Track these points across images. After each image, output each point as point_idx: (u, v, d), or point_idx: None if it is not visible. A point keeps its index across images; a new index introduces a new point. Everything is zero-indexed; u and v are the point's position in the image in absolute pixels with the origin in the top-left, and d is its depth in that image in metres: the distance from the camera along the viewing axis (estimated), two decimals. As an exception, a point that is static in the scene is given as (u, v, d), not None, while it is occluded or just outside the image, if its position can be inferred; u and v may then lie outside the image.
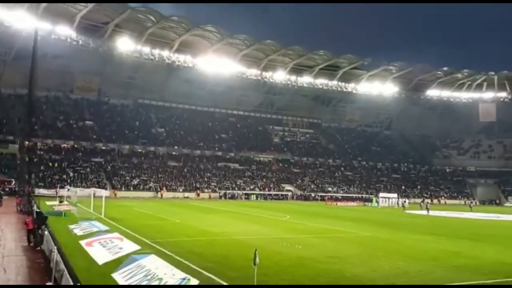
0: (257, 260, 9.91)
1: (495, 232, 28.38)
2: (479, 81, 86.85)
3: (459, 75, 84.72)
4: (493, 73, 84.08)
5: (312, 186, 73.62)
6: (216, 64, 70.96)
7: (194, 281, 9.31)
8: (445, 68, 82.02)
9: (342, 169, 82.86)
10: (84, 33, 61.92)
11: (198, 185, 64.45)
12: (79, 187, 45.80)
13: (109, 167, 63.17)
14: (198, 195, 60.95)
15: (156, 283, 9.41)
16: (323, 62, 78.42)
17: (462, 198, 77.88)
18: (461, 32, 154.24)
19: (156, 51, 66.95)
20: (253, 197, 64.32)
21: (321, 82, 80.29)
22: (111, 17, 62.57)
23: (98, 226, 20.76)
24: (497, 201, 77.35)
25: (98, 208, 27.38)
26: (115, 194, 54.41)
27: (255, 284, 9.76)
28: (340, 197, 67.86)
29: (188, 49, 70.29)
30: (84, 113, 72.64)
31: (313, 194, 69.54)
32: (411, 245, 19.98)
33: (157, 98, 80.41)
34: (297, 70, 79.46)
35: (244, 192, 65.48)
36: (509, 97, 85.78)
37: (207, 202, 53.18)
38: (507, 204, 73.35)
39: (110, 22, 63.21)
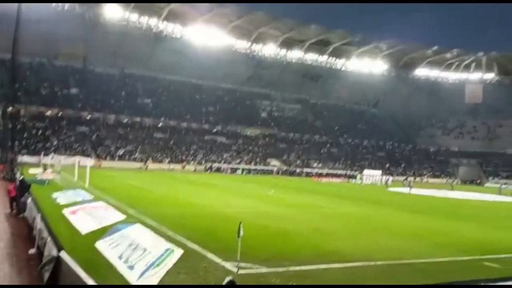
0: (241, 232, 10.01)
1: (475, 211, 29.15)
2: (467, 61, 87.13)
3: (448, 55, 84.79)
4: (482, 53, 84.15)
5: (298, 162, 74.11)
6: (205, 35, 69.70)
7: (178, 251, 9.38)
8: (435, 47, 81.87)
9: (328, 145, 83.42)
10: (69, -2, 60.01)
11: (184, 157, 64.34)
12: (63, 155, 45.31)
13: (94, 136, 62.51)
14: (184, 167, 60.94)
15: (140, 252, 9.44)
16: (314, 36, 77.61)
17: (445, 177, 79.43)
18: (453, 12, 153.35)
19: (144, 19, 65.37)
20: (239, 171, 64.58)
21: (311, 57, 79.64)
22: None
23: (82, 195, 20.63)
24: (478, 181, 79.08)
25: (82, 177, 27.23)
26: (100, 164, 54.03)
27: (238, 255, 9.88)
28: (325, 173, 68.60)
29: (177, 18, 68.76)
30: (69, 81, 71.15)
31: (298, 170, 70.12)
32: (392, 222, 20.43)
33: (144, 68, 79.03)
34: (288, 43, 78.57)
35: (230, 166, 65.66)
36: (497, 78, 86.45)
37: (193, 174, 53.28)
38: (488, 184, 75.03)
39: (96, -13, 61.33)
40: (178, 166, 60.86)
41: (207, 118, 76.63)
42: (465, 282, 9.16)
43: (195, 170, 60.60)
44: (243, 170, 65.12)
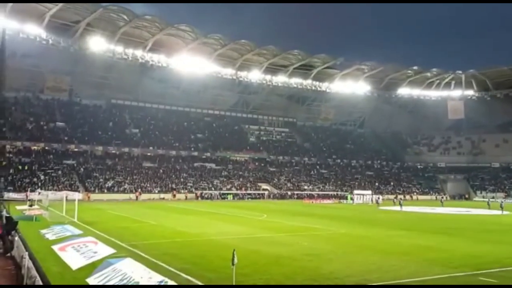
0: (236, 260, 9.97)
1: (465, 225, 29.32)
2: (447, 79, 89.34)
3: (428, 74, 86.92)
4: (460, 72, 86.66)
5: (289, 185, 74.10)
6: (191, 63, 70.45)
7: (172, 283, 9.29)
8: (415, 67, 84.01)
9: (318, 167, 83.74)
10: (54, 32, 60.35)
11: (174, 186, 63.88)
12: (50, 190, 44.66)
13: (81, 169, 61.87)
14: (174, 196, 60.45)
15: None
16: (297, 61, 79.04)
17: (434, 194, 79.98)
18: (431, 33, 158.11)
19: (130, 51, 65.93)
20: (230, 197, 64.24)
21: (296, 81, 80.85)
22: (82, 16, 61.28)
23: (71, 230, 20.34)
24: (467, 196, 79.77)
25: (71, 212, 26.83)
26: (89, 197, 53.35)
27: (234, 284, 9.81)
28: (316, 195, 68.60)
29: (162, 48, 69.56)
30: (55, 114, 70.85)
31: (289, 193, 70.02)
32: (384, 241, 20.46)
33: (130, 98, 79.26)
34: (272, 69, 79.81)
35: (220, 192, 65.34)
36: (476, 94, 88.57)
37: (184, 203, 52.82)
38: (476, 198, 75.71)
39: (81, 21, 61.87)
40: (168, 195, 60.35)
41: (196, 145, 76.62)
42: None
43: (186, 198, 60.12)
44: (234, 195, 64.81)
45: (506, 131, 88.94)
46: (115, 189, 59.18)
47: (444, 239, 21.23)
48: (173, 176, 67.10)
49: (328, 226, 26.36)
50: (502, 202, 49.79)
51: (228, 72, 75.04)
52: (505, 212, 41.81)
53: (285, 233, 22.53)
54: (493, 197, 65.20)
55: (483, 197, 70.80)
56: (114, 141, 69.50)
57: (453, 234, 23.71)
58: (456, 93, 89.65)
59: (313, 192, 71.26)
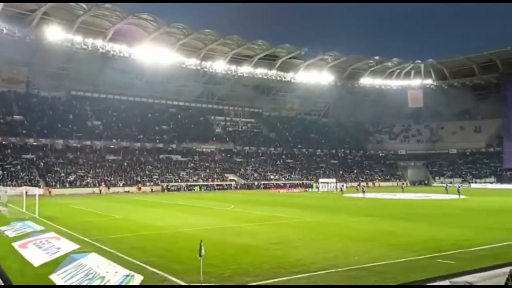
0: (203, 251, 9.98)
1: (425, 210, 30.51)
2: (407, 69, 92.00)
3: (389, 64, 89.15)
4: (419, 61, 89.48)
5: (255, 175, 74.52)
6: (154, 53, 69.03)
7: (138, 277, 9.21)
8: (376, 57, 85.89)
9: (283, 157, 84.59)
10: (9, 22, 57.49)
11: (139, 178, 62.90)
12: (9, 186, 42.95)
13: (41, 163, 59.81)
14: (140, 189, 59.55)
15: (98, 282, 9.18)
16: (262, 51, 79.05)
17: (395, 180, 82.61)
18: (392, 24, 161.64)
19: (89, 40, 63.74)
20: (197, 188, 63.96)
21: (261, 71, 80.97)
22: (38, 5, 58.68)
23: (32, 226, 19.71)
24: (426, 182, 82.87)
25: (31, 208, 25.95)
26: (50, 192, 51.73)
27: (201, 275, 9.83)
28: (282, 184, 69.39)
29: (123, 38, 67.71)
30: (12, 107, 67.79)
31: (256, 183, 70.46)
32: (349, 227, 21.01)
33: (91, 90, 76.95)
34: (237, 59, 79.49)
35: (187, 183, 64.90)
36: (435, 83, 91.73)
37: (150, 195, 52.14)
38: (435, 184, 78.77)
39: (37, 10, 59.27)
40: (133, 188, 59.38)
41: (161, 136, 75.55)
42: (422, 281, 9.59)
43: (152, 191, 59.35)
44: (201, 187, 64.56)
45: (463, 119, 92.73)
46: (78, 183, 57.67)
47: (406, 224, 22.03)
48: (138, 168, 66.01)
49: (294, 215, 26.75)
50: (459, 187, 52.10)
51: (192, 62, 74.12)
52: (462, 197, 43.78)
53: (252, 223, 22.72)
54: (450, 183, 68.12)
55: (442, 182, 73.80)
56: (75, 134, 67.47)
57: (414, 219, 24.61)
58: (416, 82, 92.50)
59: (279, 182, 72.04)
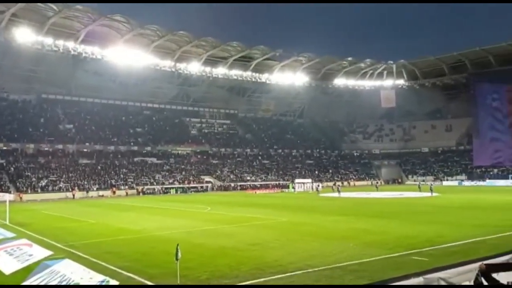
0: (179, 254, 9.92)
1: (399, 208, 31.12)
2: (380, 69, 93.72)
3: (362, 65, 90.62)
4: (391, 62, 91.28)
5: (232, 176, 74.40)
6: (127, 55, 67.99)
7: (114, 282, 9.06)
8: (349, 58, 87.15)
9: (260, 158, 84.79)
10: (-26, 23, 55.66)
11: (113, 182, 61.85)
12: (-24, 192, 41.47)
13: (12, 168, 58.04)
14: (114, 192, 58.55)
15: (72, 288, 9.00)
16: (237, 53, 79.05)
17: (369, 179, 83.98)
18: (365, 25, 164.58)
19: (60, 42, 62.20)
20: (173, 191, 63.36)
21: (236, 73, 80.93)
22: (6, 6, 56.89)
23: (2, 233, 19.03)
24: (399, 180, 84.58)
25: (1, 214, 25.19)
26: (21, 198, 50.27)
27: (178, 278, 9.77)
28: (259, 185, 69.53)
29: (96, 40, 66.39)
30: (-22, 111, 65.58)
31: (232, 184, 70.35)
32: (325, 226, 21.25)
33: (63, 92, 75.17)
34: (212, 61, 79.19)
35: (163, 186, 64.23)
36: (407, 84, 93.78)
37: (124, 199, 51.32)
38: (408, 182, 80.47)
39: (5, 11, 57.43)
40: (108, 192, 58.34)
41: (136, 139, 74.54)
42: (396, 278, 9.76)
43: (127, 195, 58.45)
44: (177, 189, 64.00)
45: (434, 118, 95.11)
46: (50, 188, 56.24)
47: (380, 222, 22.43)
48: (112, 172, 64.93)
49: (271, 215, 26.85)
50: (431, 184, 53.43)
51: (166, 64, 73.43)
52: (434, 194, 44.89)
53: (229, 224, 22.69)
54: (423, 181, 69.72)
55: (414, 180, 75.45)
56: (47, 138, 65.80)
57: (388, 217, 25.09)
58: (388, 82, 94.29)
59: (256, 183, 72.14)
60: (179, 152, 77.16)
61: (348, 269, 11.98)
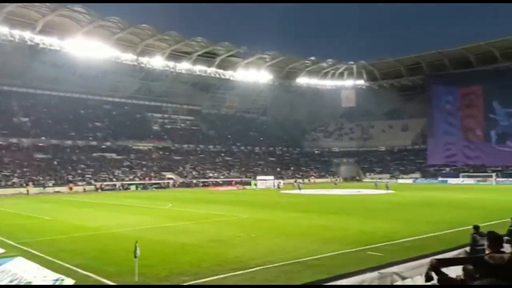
0: (138, 252, 9.79)
1: (357, 205, 32.00)
2: (341, 70, 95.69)
3: (324, 64, 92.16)
4: (352, 62, 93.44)
5: (194, 173, 73.80)
6: (88, 47, 65.80)
7: (69, 281, 8.83)
8: (312, 58, 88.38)
9: (222, 154, 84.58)
10: None
11: (70, 178, 59.87)
12: None
13: (-41, 163, 55.03)
14: (71, 188, 56.64)
15: None
16: (201, 48, 78.33)
17: (329, 176, 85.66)
18: (327, 26, 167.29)
19: (16, 32, 59.35)
20: (133, 187, 62.12)
21: (200, 68, 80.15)
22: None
23: None
24: (358, 178, 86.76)
25: None
26: (-31, 194, 47.72)
27: (136, 276, 9.64)
28: (221, 182, 69.38)
29: (54, 30, 63.88)
30: None
31: (195, 181, 69.85)
32: (285, 223, 21.54)
33: (18, 84, 71.74)
34: (175, 56, 78.06)
35: (123, 183, 62.84)
36: (366, 84, 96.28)
37: (82, 195, 49.82)
38: (366, 179, 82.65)
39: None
40: (64, 188, 56.40)
41: (95, 134, 72.43)
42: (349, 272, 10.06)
43: (84, 191, 56.73)
44: (137, 186, 62.79)
45: (391, 118, 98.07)
46: (3, 183, 53.72)
47: (339, 219, 23.00)
48: (70, 167, 62.85)
49: (233, 212, 26.91)
50: (387, 182, 55.27)
51: (128, 57, 71.71)
52: (390, 191, 46.44)
53: (190, 221, 22.56)
54: (379, 178, 71.88)
55: (371, 178, 77.61)
56: (0, 131, 62.70)
57: (346, 213, 25.75)
58: (349, 82, 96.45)
59: (218, 180, 71.93)
60: (140, 147, 75.69)
61: (307, 264, 12.23)
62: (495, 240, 4.81)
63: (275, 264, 12.08)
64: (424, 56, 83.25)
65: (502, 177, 67.43)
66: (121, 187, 61.16)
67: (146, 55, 74.11)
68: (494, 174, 68.69)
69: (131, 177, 65.74)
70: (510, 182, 63.23)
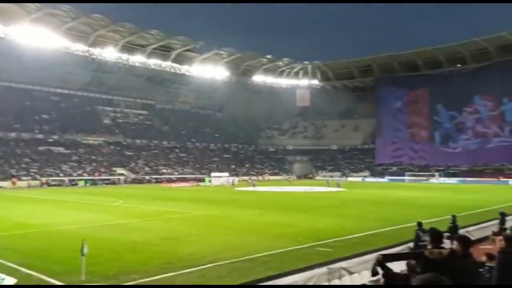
0: (85, 250, 9.48)
1: (309, 202, 32.68)
2: (296, 69, 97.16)
3: (280, 63, 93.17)
4: (307, 62, 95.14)
5: (146, 169, 72.30)
6: (36, 36, 62.48)
7: (10, 280, 8.40)
8: (268, 56, 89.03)
9: (177, 150, 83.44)
10: None
11: (14, 172, 56.84)
12: None
13: None
14: (14, 183, 53.80)
15: (-40, 288, 8.17)
16: (156, 42, 76.67)
17: (283, 174, 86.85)
18: (285, 25, 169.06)
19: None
20: (82, 183, 59.94)
21: (155, 62, 78.40)
22: None
23: None
24: (310, 175, 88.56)
25: None
26: None
27: (83, 275, 9.33)
28: (174, 179, 68.45)
29: (-4, 15, 60.25)
30: None
31: (147, 177, 68.47)
32: (239, 220, 21.63)
33: (-45, 72, 67.18)
34: (129, 48, 75.87)
35: (70, 178, 60.47)
36: (320, 84, 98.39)
37: (26, 191, 47.45)
38: (318, 177, 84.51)
39: None
40: (7, 183, 53.44)
41: (41, 127, 69.12)
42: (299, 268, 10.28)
43: (29, 186, 54.07)
44: (86, 181, 60.65)
45: (343, 118, 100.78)
46: None
47: (292, 215, 23.39)
48: (13, 161, 59.67)
49: (186, 209, 26.65)
50: (338, 180, 56.80)
51: (79, 48, 68.89)
52: (340, 189, 47.79)
53: (142, 218, 22.11)
54: (331, 176, 73.77)
55: (323, 176, 79.50)
56: None
57: (299, 210, 26.24)
58: (304, 82, 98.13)
59: (171, 176, 70.93)
60: (90, 142, 73.11)
61: (259, 260, 12.35)
62: (436, 236, 5.10)
63: (227, 261, 12.10)
64: (376, 59, 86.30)
65: (445, 176, 71.28)
66: (68, 183, 58.87)
67: (98, 46, 71.55)
68: (437, 173, 72.53)
69: (79, 172, 63.43)
70: (451, 181, 66.94)
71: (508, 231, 10.15)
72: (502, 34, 69.03)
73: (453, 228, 12.90)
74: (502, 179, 62.30)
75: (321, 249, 13.93)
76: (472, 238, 12.16)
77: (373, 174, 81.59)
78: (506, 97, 71.60)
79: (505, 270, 4.78)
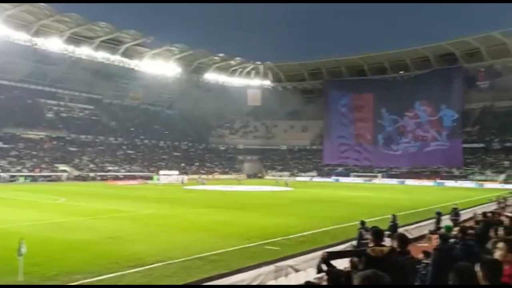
0: (24, 249, 9.04)
1: (258, 201, 33.00)
2: (248, 69, 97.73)
3: (232, 62, 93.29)
4: (259, 62, 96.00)
5: (91, 166, 69.68)
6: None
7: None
8: (221, 54, 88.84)
9: (124, 147, 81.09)
10: None
11: None
12: None
13: None
14: None
15: None
16: (105, 34, 74.06)
17: (233, 173, 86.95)
18: (239, 23, 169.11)
19: None
20: (22, 179, 56.78)
21: (103, 55, 75.69)
22: None
23: None
24: (260, 175, 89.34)
25: None
26: None
27: (21, 276, 8.90)
28: (121, 176, 66.50)
29: None
30: None
31: (92, 174, 66.01)
32: (188, 219, 21.47)
33: None
34: (76, 40, 72.73)
35: (8, 174, 57.08)
36: (272, 85, 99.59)
37: (-43, 187, 44.23)
38: (267, 177, 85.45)
39: None
40: None
41: (-24, 119, 64.66)
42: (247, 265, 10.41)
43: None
44: (25, 177, 57.53)
45: (293, 118, 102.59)
46: None
47: (241, 214, 23.53)
48: None
49: (133, 208, 26.05)
50: (287, 180, 57.79)
51: (21, 37, 65.16)
52: (289, 189, 48.65)
53: (85, 217, 21.36)
54: (280, 176, 74.84)
55: (273, 175, 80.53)
56: None
57: (248, 209, 26.43)
58: (256, 82, 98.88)
59: (118, 173, 68.84)
60: (31, 136, 69.35)
61: (208, 259, 12.36)
62: (378, 234, 5.37)
63: (175, 260, 12.00)
64: (324, 62, 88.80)
65: (387, 177, 74.56)
66: (7, 179, 55.60)
67: (42, 36, 68.01)
68: (379, 174, 75.79)
69: (18, 168, 60.06)
70: (393, 182, 70.15)
71: (442, 230, 10.84)
72: (441, 43, 73.43)
73: (393, 227, 13.54)
74: (438, 180, 66.17)
75: (269, 247, 14.15)
76: (410, 236, 12.89)
77: (320, 174, 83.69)
78: (444, 104, 76.00)
79: (439, 267, 5.14)
